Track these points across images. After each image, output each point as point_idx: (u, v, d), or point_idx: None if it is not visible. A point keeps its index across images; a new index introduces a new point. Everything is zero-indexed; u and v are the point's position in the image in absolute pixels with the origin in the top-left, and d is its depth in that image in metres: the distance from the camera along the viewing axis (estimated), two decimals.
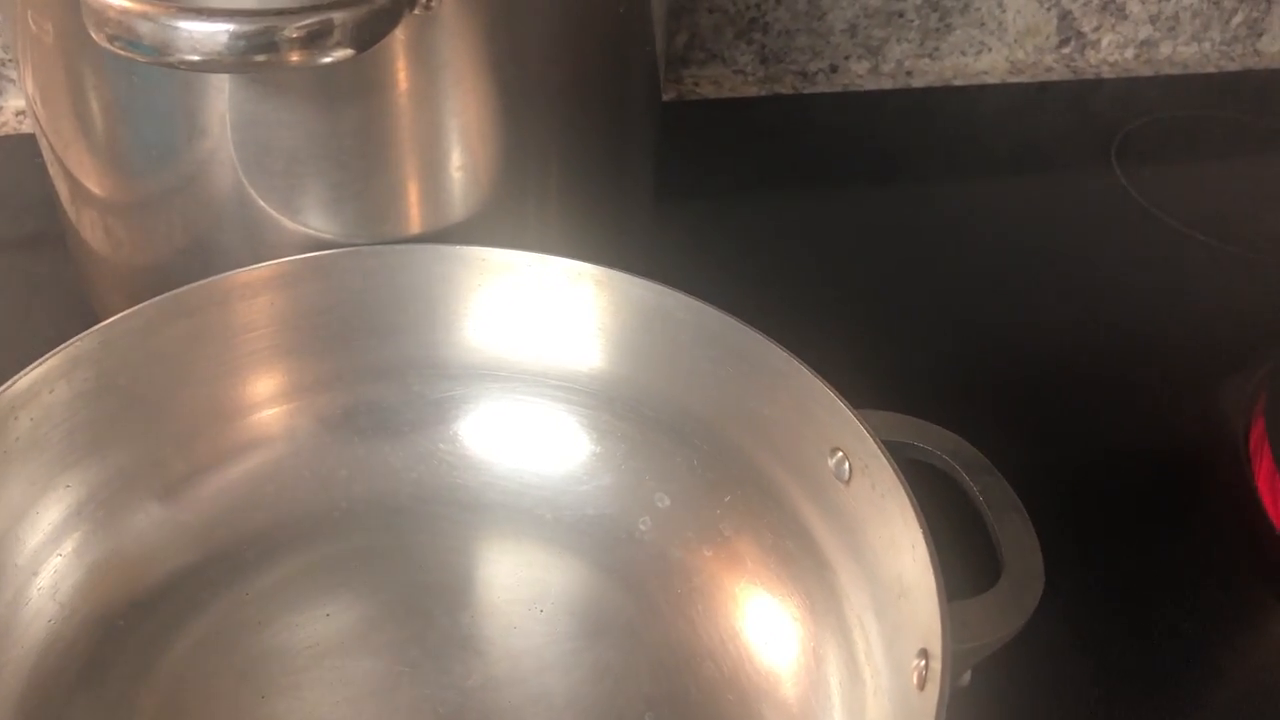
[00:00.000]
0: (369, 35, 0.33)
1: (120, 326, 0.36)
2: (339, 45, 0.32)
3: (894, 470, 0.33)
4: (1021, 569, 0.32)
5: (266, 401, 0.40)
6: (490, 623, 0.39)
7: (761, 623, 0.38)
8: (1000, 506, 0.33)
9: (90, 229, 0.44)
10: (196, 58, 0.31)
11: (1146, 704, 0.38)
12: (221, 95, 0.37)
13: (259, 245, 0.40)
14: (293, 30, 0.31)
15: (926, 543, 0.31)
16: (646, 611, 0.39)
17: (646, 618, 0.39)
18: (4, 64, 0.60)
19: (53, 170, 0.44)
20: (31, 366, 0.34)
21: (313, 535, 0.40)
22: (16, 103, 0.61)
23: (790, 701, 0.36)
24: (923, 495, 0.32)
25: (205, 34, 0.31)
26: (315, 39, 0.32)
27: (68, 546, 0.36)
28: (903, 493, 0.32)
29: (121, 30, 0.31)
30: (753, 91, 0.68)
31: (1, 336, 0.49)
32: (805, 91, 0.69)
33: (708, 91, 0.68)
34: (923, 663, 0.30)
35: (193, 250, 0.42)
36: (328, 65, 0.33)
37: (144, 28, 0.31)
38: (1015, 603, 0.31)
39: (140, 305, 0.37)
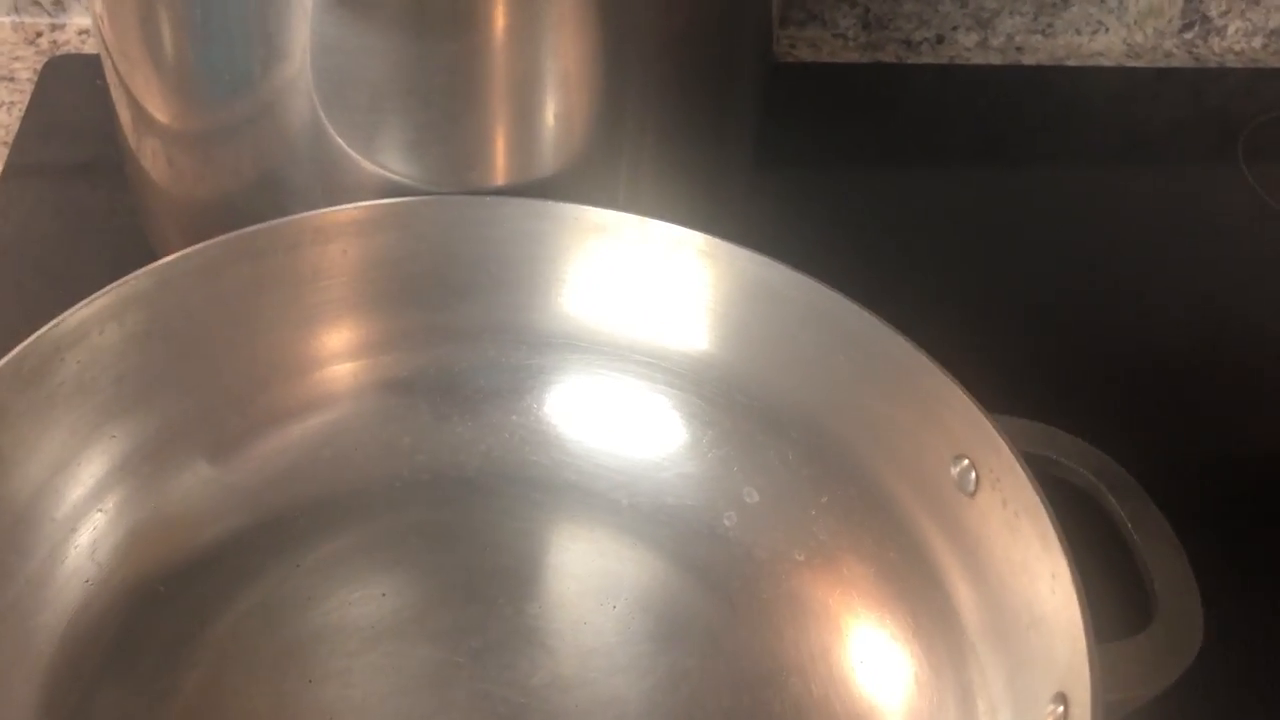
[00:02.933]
0: None
1: (179, 266, 0.33)
2: None
3: (1034, 487, 0.29)
4: (1177, 611, 0.28)
5: (331, 358, 0.37)
6: (559, 616, 0.36)
7: (859, 640, 0.34)
8: (1151, 536, 0.29)
9: (152, 158, 0.42)
10: None
11: None
12: (304, 17, 0.34)
13: (332, 186, 0.37)
14: None
15: (1071, 572, 0.27)
16: (728, 616, 0.36)
17: (728, 623, 0.35)
18: None
19: (115, 94, 0.42)
20: (80, 305, 0.31)
21: (371, 506, 0.37)
22: (80, 20, 0.58)
23: None
24: (1060, 516, 0.29)
25: None
26: None
27: (109, 502, 0.33)
28: (1043, 513, 0.29)
29: None
30: (853, 58, 0.64)
31: (51, 270, 0.46)
32: (908, 61, 0.64)
33: (805, 54, 0.64)
34: (1060, 709, 0.27)
35: (260, 187, 0.39)
36: None
37: None
38: (1172, 650, 0.27)
39: (202, 244, 0.34)
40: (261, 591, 0.34)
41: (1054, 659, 0.27)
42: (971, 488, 0.31)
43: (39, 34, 0.57)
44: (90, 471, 0.33)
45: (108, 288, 0.32)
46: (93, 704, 0.31)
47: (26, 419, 0.30)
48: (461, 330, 0.38)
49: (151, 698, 0.32)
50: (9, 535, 0.30)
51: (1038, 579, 0.29)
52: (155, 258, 0.44)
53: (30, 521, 0.31)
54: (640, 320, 0.37)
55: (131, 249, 0.46)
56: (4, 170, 0.50)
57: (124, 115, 0.42)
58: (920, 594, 0.33)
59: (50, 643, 0.31)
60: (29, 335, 0.31)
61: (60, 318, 0.30)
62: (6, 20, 0.57)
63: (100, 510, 0.33)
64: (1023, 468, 0.29)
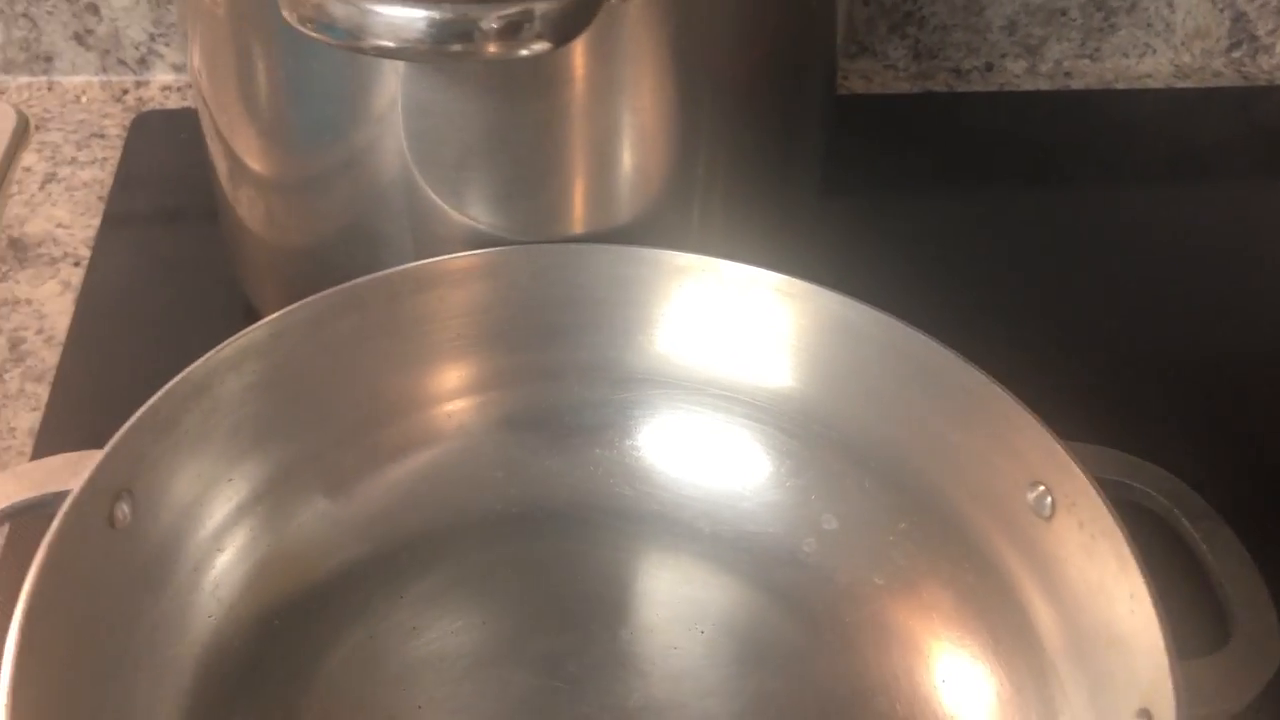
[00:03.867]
0: (568, 28, 0.31)
1: (290, 319, 0.35)
2: (538, 38, 0.30)
3: (1110, 511, 0.30)
4: (1255, 628, 0.29)
5: (430, 400, 0.39)
6: (649, 641, 0.37)
7: (941, 661, 0.35)
8: (1226, 557, 0.30)
9: (248, 208, 0.44)
10: (391, 44, 0.30)
11: None
12: (395, 80, 0.36)
13: (423, 236, 0.39)
14: (492, 20, 0.30)
15: (1150, 593, 0.29)
16: (812, 639, 0.37)
17: (812, 646, 0.37)
18: (154, 38, 0.59)
19: (212, 145, 0.44)
20: (201, 360, 0.33)
21: (468, 539, 0.39)
22: (164, 77, 0.61)
23: None
24: (1135, 539, 0.30)
25: (403, 20, 0.30)
26: (514, 31, 0.30)
27: (229, 543, 0.35)
28: (1120, 535, 0.30)
29: (317, 13, 0.30)
30: (904, 88, 0.65)
31: (148, 315, 0.48)
32: (959, 90, 0.66)
33: (857, 86, 0.65)
34: None
35: (353, 237, 0.41)
36: (522, 59, 0.31)
37: (339, 11, 0.30)
38: (1251, 665, 0.28)
39: (310, 299, 0.36)
40: (370, 623, 0.36)
41: (1136, 677, 0.29)
42: (1048, 512, 0.33)
43: (125, 91, 0.60)
44: (211, 513, 0.35)
45: (226, 342, 0.34)
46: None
47: (161, 465, 0.32)
48: (550, 370, 0.39)
49: None
50: (144, 576, 0.32)
51: (1115, 600, 0.30)
52: (247, 303, 0.47)
53: (161, 562, 0.33)
54: (720, 356, 0.39)
55: (224, 294, 0.48)
56: (101, 225, 0.52)
57: (220, 166, 0.44)
58: (999, 615, 0.35)
59: (184, 673, 0.33)
60: (135, 382, 0.33)
61: (187, 370, 0.33)
62: (95, 80, 0.60)
63: (219, 550, 0.35)
64: (1098, 492, 0.31)
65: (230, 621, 0.35)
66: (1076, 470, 0.31)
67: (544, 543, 0.39)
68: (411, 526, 0.38)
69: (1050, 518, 0.33)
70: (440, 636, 0.37)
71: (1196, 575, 0.31)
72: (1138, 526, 0.31)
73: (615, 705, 0.35)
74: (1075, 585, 0.32)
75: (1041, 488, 0.33)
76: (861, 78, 0.66)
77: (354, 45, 0.30)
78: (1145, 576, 0.29)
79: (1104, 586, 0.31)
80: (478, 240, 0.39)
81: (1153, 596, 0.28)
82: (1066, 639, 0.32)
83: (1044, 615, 0.33)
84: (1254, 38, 0.68)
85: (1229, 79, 0.68)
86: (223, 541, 0.35)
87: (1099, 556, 0.31)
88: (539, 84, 0.36)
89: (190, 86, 0.50)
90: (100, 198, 0.54)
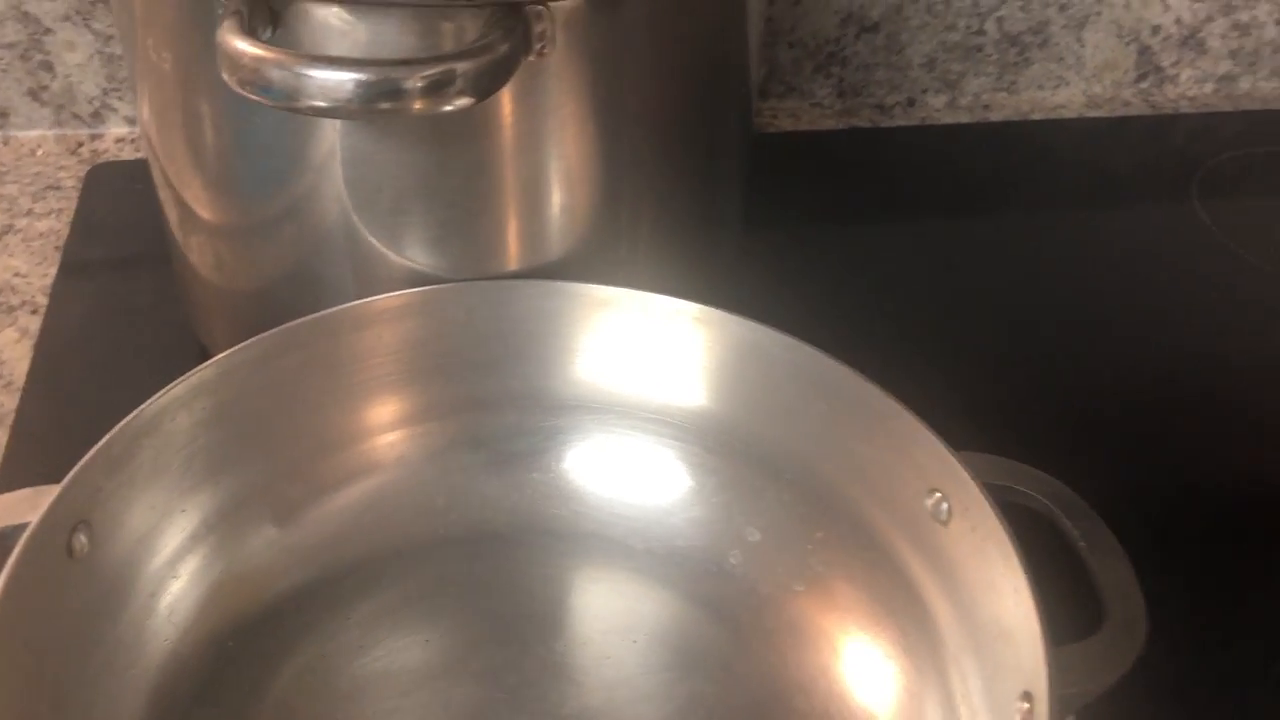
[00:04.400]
0: (489, 84, 0.34)
1: (237, 358, 0.37)
2: (460, 94, 0.33)
3: (996, 514, 0.33)
4: (1124, 614, 0.32)
5: (372, 431, 0.41)
6: (585, 652, 0.39)
7: (854, 660, 0.38)
8: (1101, 551, 0.33)
9: (198, 254, 0.46)
10: (323, 104, 0.32)
11: None
12: (333, 133, 0.39)
13: (364, 277, 0.42)
14: (417, 80, 0.32)
15: (1029, 587, 0.31)
16: (738, 645, 0.39)
17: (738, 651, 0.39)
18: (107, 92, 0.62)
19: (163, 195, 0.46)
20: (155, 397, 0.35)
21: (411, 562, 0.41)
22: (117, 129, 0.63)
23: None
24: (1022, 538, 0.33)
25: (334, 82, 0.32)
26: (438, 88, 0.33)
27: (184, 569, 0.37)
28: (1004, 536, 0.33)
29: (254, 76, 0.32)
30: (830, 124, 0.69)
31: (104, 360, 0.50)
32: (883, 125, 0.69)
33: (785, 124, 0.68)
34: (1026, 706, 0.30)
35: (298, 279, 0.43)
36: (447, 113, 0.34)
37: (275, 75, 0.32)
38: (1119, 648, 0.31)
39: (255, 338, 0.38)
40: (320, 643, 0.38)
41: (1020, 663, 0.31)
42: (945, 517, 0.36)
43: (80, 144, 0.62)
44: (165, 542, 0.37)
45: (177, 380, 0.36)
46: None
47: (116, 498, 0.34)
48: (484, 400, 0.42)
49: None
50: (102, 603, 0.34)
51: (1003, 595, 0.33)
52: (199, 344, 0.49)
53: (118, 590, 0.35)
54: (645, 382, 0.42)
55: (176, 336, 0.50)
56: (57, 274, 0.54)
57: (171, 215, 0.46)
58: (907, 614, 0.37)
59: (140, 695, 0.35)
60: (92, 422, 0.35)
61: (140, 408, 0.35)
62: (50, 133, 0.62)
63: (174, 576, 0.37)
64: (986, 497, 0.33)
65: (185, 644, 0.37)
66: (967, 478, 0.34)
67: (484, 563, 0.41)
68: (357, 551, 0.40)
69: (947, 522, 0.35)
70: (387, 654, 0.39)
71: (1076, 569, 0.34)
72: (1023, 527, 0.34)
73: (552, 713, 0.37)
74: (970, 584, 0.35)
75: (939, 495, 0.36)
76: (789, 116, 0.69)
77: (290, 106, 0.33)
78: (1026, 572, 0.32)
79: (994, 584, 0.33)
80: (416, 280, 0.41)
81: (1032, 589, 0.31)
82: (964, 634, 0.35)
83: (944, 613, 0.36)
84: (1159, 69, 0.72)
85: (1137, 108, 0.72)
86: (177, 569, 0.37)
87: (988, 557, 0.33)
88: (467, 133, 0.38)
89: (143, 138, 0.52)
90: (57, 247, 0.56)
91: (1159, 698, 0.38)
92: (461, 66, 0.33)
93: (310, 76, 0.32)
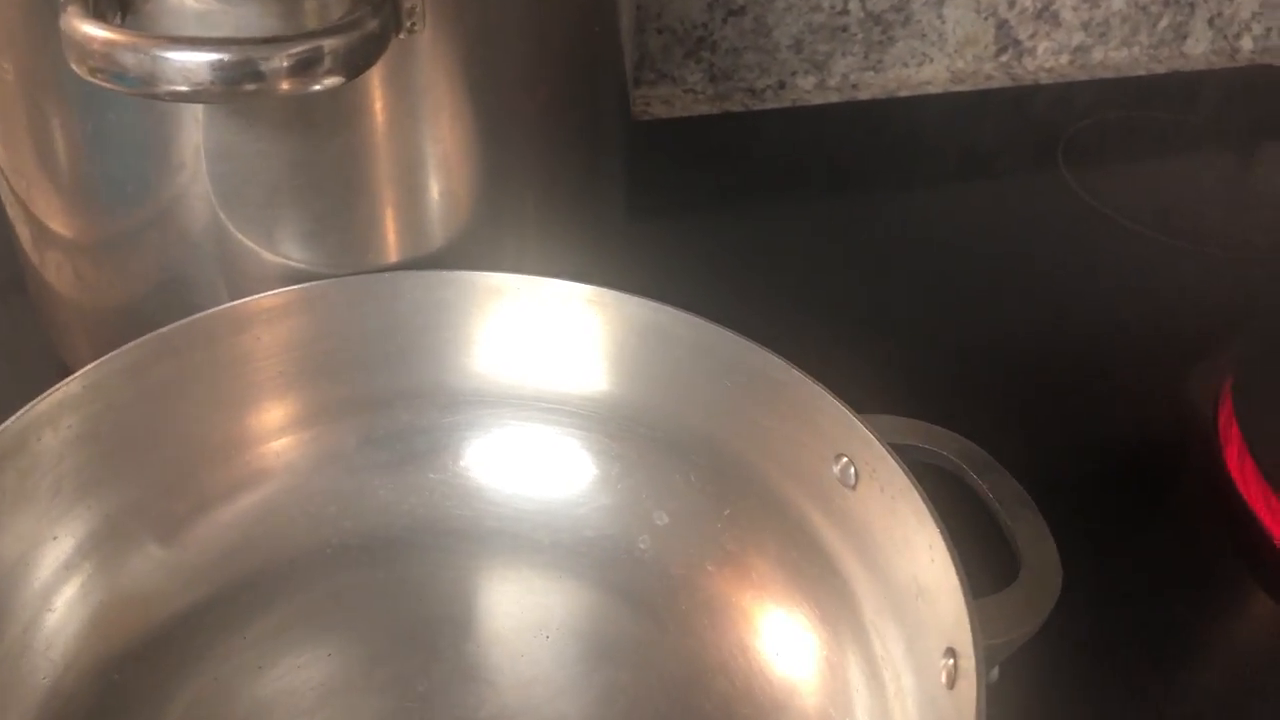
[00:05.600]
0: (359, 61, 0.32)
1: (105, 369, 0.35)
2: (329, 73, 0.31)
3: (904, 472, 0.33)
4: (1039, 563, 0.32)
5: (256, 439, 0.39)
6: (496, 651, 0.38)
7: (772, 634, 0.37)
8: (1011, 503, 0.33)
9: (56, 272, 0.43)
10: (184, 88, 0.31)
11: (1156, 688, 0.39)
12: (197, 127, 0.37)
13: (237, 279, 0.40)
14: (283, 59, 0.31)
15: (945, 542, 0.31)
16: (653, 630, 0.39)
17: (654, 636, 0.38)
18: None
19: (13, 213, 0.43)
20: (15, 416, 0.33)
21: (307, 574, 0.39)
22: None
23: (809, 711, 0.36)
24: (931, 496, 0.33)
25: (194, 64, 0.30)
26: (305, 67, 0.31)
27: (60, 600, 0.35)
28: (915, 494, 0.32)
29: (106, 62, 0.30)
30: (704, 110, 0.69)
31: None
32: (755, 108, 0.69)
33: (659, 111, 0.68)
34: (951, 661, 0.30)
35: (167, 288, 0.41)
36: (316, 93, 0.32)
37: (129, 59, 0.30)
38: (1037, 596, 0.31)
39: (124, 348, 0.36)
40: (213, 666, 0.36)
41: (940, 620, 0.31)
42: (853, 481, 0.35)
43: None
44: (37, 574, 0.34)
45: (40, 397, 0.34)
46: None
47: None
48: (376, 399, 0.40)
49: None
50: None
51: (919, 552, 0.32)
52: (64, 367, 0.46)
53: None
54: (542, 370, 0.41)
55: (36, 362, 0.47)
56: None
57: (23, 233, 0.43)
58: (822, 584, 0.37)
59: None
60: None
61: (0, 428, 0.32)
62: None
63: (49, 609, 0.35)
64: (892, 456, 0.33)
65: (67, 680, 0.34)
66: (871, 438, 0.34)
67: (384, 570, 0.40)
68: (249, 566, 0.38)
69: (855, 486, 0.35)
70: (286, 672, 0.37)
71: (989, 524, 0.34)
72: (934, 485, 0.34)
73: (466, 717, 0.36)
74: (884, 546, 0.34)
75: (845, 459, 0.35)
76: (663, 103, 0.69)
77: (147, 92, 0.31)
78: (940, 527, 0.31)
79: (908, 542, 0.33)
80: (293, 278, 0.39)
81: (948, 544, 0.31)
82: (882, 597, 0.35)
83: (860, 578, 0.35)
84: (1017, 42, 0.74)
85: (1000, 81, 0.74)
86: (51, 600, 0.34)
87: (900, 515, 0.33)
88: (339, 118, 0.37)
89: None
90: None
91: (1074, 643, 0.38)
92: (329, 43, 0.31)
93: (167, 59, 0.30)
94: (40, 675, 0.34)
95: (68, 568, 0.35)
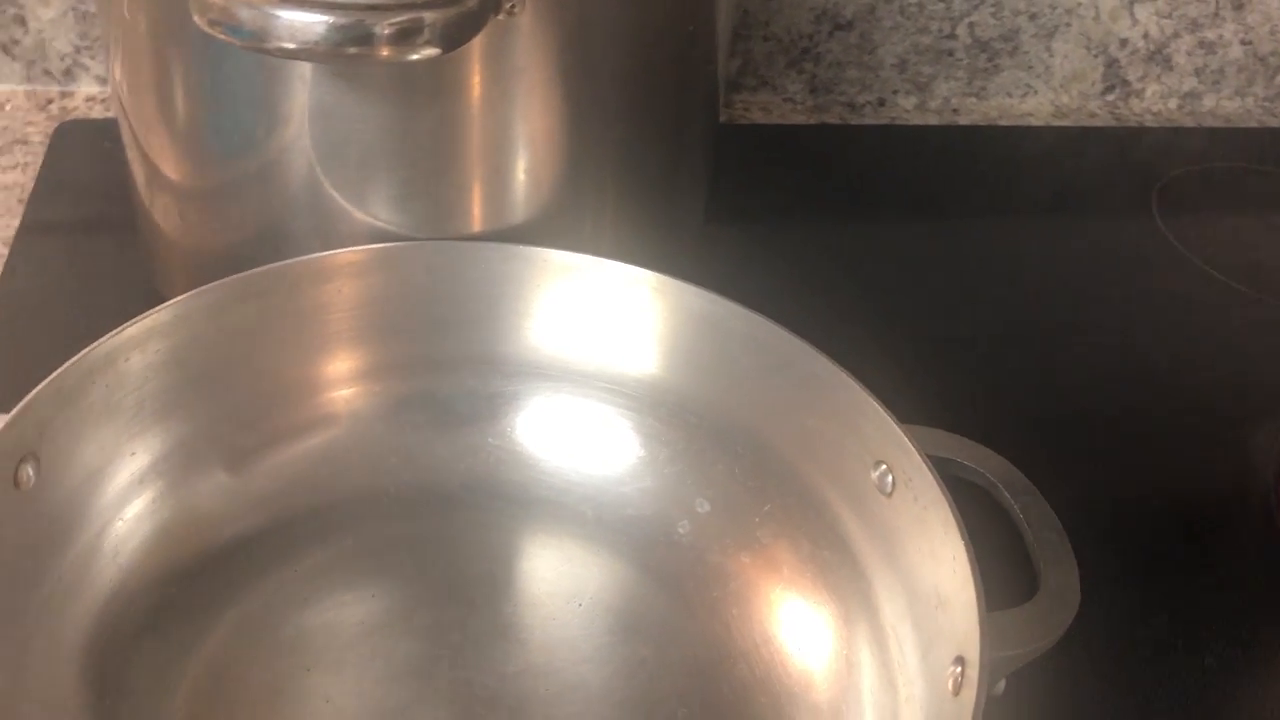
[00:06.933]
0: (456, 36, 0.34)
1: (193, 303, 0.37)
2: (427, 44, 0.33)
3: (938, 484, 0.34)
4: (1058, 585, 0.32)
5: (328, 385, 0.41)
6: (530, 613, 0.40)
7: (796, 628, 0.38)
8: (1039, 525, 0.34)
9: (164, 213, 0.46)
10: (292, 45, 0.33)
11: None
12: (304, 86, 0.39)
13: (328, 235, 0.42)
14: (385, 26, 0.33)
15: (967, 554, 0.32)
16: (682, 611, 0.40)
17: (682, 617, 0.40)
18: (79, 51, 0.61)
19: (131, 154, 0.46)
20: (109, 335, 0.36)
21: (360, 519, 0.41)
22: (88, 88, 0.63)
23: (821, 705, 0.37)
24: (963, 511, 0.33)
25: (302, 23, 0.32)
26: (406, 36, 0.33)
27: (131, 510, 0.37)
28: (945, 506, 0.33)
29: (223, 15, 0.33)
30: (801, 120, 0.69)
31: (67, 314, 0.50)
32: (852, 123, 0.70)
33: (757, 117, 0.69)
34: (958, 669, 0.31)
35: (263, 237, 0.43)
36: (413, 63, 0.34)
37: (245, 14, 0.32)
38: (1051, 616, 0.32)
39: (212, 284, 0.38)
40: (263, 593, 0.38)
41: (955, 630, 0.32)
42: (889, 489, 0.36)
43: (50, 100, 0.62)
44: (113, 483, 0.37)
45: (132, 320, 0.36)
46: (121, 676, 0.35)
47: (64, 434, 0.34)
48: (443, 361, 0.42)
49: (164, 682, 0.35)
50: (47, 536, 0.34)
51: (942, 563, 0.33)
52: (161, 300, 0.49)
53: (63, 526, 0.35)
54: (602, 350, 0.42)
55: (139, 298, 0.50)
56: (20, 226, 0.54)
57: (138, 173, 0.46)
58: (849, 586, 0.38)
59: (80, 633, 0.35)
60: (45, 364, 0.34)
61: (92, 345, 0.35)
62: (20, 89, 0.62)
63: (120, 517, 0.37)
64: (929, 468, 0.34)
65: (128, 586, 0.36)
66: (912, 449, 0.35)
67: (434, 524, 0.42)
68: (307, 504, 0.40)
69: (891, 494, 0.36)
70: (331, 607, 0.39)
71: (1015, 542, 0.35)
72: (966, 500, 0.34)
73: (494, 670, 0.38)
74: (912, 554, 0.35)
75: (884, 466, 0.36)
76: (761, 109, 0.70)
77: (258, 46, 0.33)
78: (964, 539, 0.32)
79: (934, 553, 0.34)
80: (379, 238, 0.41)
81: (969, 556, 0.32)
82: (904, 604, 0.35)
83: (885, 583, 0.36)
84: (1125, 82, 0.74)
85: (1103, 119, 0.73)
86: (124, 509, 0.37)
87: (929, 526, 0.34)
88: (435, 90, 0.39)
89: (113, 97, 0.52)
90: (20, 200, 0.56)
91: (1090, 660, 0.38)
92: (430, 16, 0.33)
93: (279, 17, 0.32)
94: (106, 578, 0.36)
95: (141, 482, 0.37)
